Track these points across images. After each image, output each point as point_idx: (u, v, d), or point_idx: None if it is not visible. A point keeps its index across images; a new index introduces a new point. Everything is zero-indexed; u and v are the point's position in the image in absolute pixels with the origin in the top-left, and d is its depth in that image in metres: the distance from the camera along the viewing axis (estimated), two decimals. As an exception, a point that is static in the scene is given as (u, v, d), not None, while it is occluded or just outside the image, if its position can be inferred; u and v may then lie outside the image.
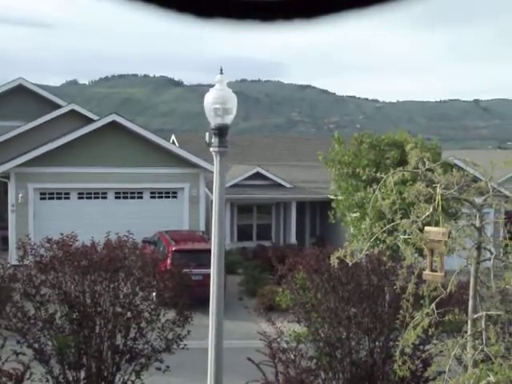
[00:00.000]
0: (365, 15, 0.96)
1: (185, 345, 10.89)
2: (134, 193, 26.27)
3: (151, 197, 26.52)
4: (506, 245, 6.64)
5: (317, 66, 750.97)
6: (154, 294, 11.29)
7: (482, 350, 6.58)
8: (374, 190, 7.19)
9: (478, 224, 6.90)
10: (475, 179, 8.20)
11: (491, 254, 7.03)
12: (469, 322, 7.00)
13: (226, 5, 0.96)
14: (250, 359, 10.29)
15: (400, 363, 7.17)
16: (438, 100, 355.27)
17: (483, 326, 6.73)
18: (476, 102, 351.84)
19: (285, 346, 10.44)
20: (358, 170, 8.12)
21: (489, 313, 6.87)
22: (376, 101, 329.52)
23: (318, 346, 10.41)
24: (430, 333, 7.74)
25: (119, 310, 10.46)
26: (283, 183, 30.54)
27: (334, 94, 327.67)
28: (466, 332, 7.01)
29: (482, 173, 7.61)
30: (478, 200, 7.04)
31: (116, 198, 26.11)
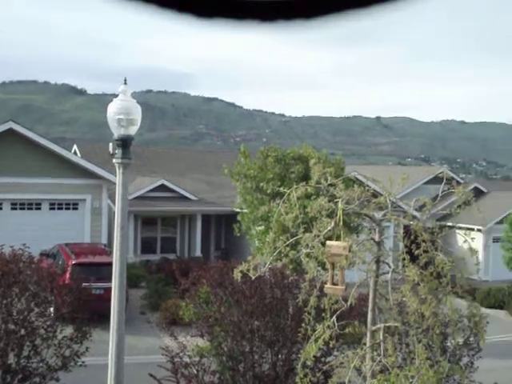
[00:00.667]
0: (365, 15, 0.98)
1: (83, 362, 10.52)
2: (31, 204, 25.25)
3: (51, 208, 25.58)
4: (404, 258, 6.84)
5: (224, 79, 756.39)
6: (51, 309, 10.85)
7: (380, 361, 6.74)
8: (278, 204, 7.24)
9: (377, 238, 7.08)
10: (376, 194, 8.43)
11: (389, 267, 7.23)
12: (368, 334, 7.16)
13: (226, 5, 0.96)
14: (151, 375, 10.06)
15: (302, 376, 7.22)
16: (343, 116, 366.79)
17: (381, 337, 6.90)
18: (378, 118, 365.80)
19: (187, 360, 10.31)
20: (262, 184, 8.16)
21: (387, 324, 7.05)
22: (282, 115, 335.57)
23: (221, 360, 10.35)
24: (331, 345, 7.85)
25: (12, 327, 9.96)
26: (188, 196, 30.35)
27: (241, 107, 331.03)
28: (366, 344, 7.16)
29: (381, 188, 7.84)
30: (378, 215, 7.24)
31: (12, 209, 25.01)
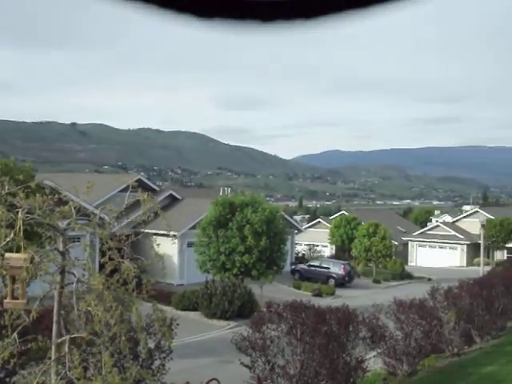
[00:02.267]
0: (364, 15, 0.96)
1: None
2: None
3: None
4: (89, 267, 6.77)
5: None
6: None
7: (66, 374, 6.56)
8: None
9: (61, 248, 6.89)
10: (68, 202, 8.20)
11: (75, 277, 7.08)
12: (53, 347, 6.91)
13: (226, 5, 0.94)
14: None
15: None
16: (36, 121, 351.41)
17: (67, 349, 6.72)
18: (73, 125, 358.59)
19: None
20: None
21: (72, 336, 6.89)
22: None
23: None
24: (12, 363, 7.40)
25: None
26: None
27: None
28: (51, 358, 6.91)
29: (72, 196, 7.65)
30: (62, 224, 7.05)
31: None
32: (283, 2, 0.96)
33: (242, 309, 26.27)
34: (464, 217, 74.41)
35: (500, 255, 64.06)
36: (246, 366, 11.80)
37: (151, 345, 11.73)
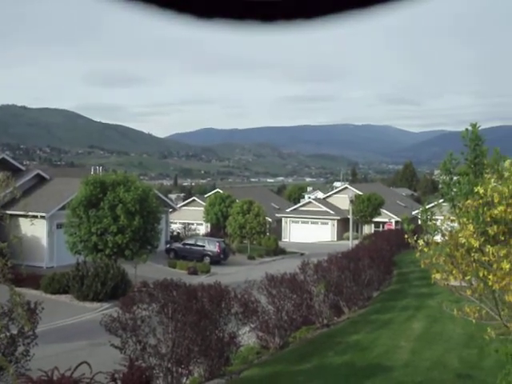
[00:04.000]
0: (365, 15, 0.95)
1: None
2: None
3: None
4: None
5: None
6: None
7: None
8: None
9: None
10: None
11: None
12: None
13: (226, 5, 0.94)
14: None
15: None
16: None
17: None
18: None
19: None
20: None
21: None
22: None
23: None
24: None
25: None
26: None
27: None
28: None
29: None
30: None
31: None
32: (283, 2, 0.95)
33: (116, 290, 25.71)
34: (334, 193, 77.45)
35: (368, 229, 67.31)
36: (117, 347, 11.54)
37: (14, 331, 11.19)
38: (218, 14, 0.95)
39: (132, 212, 28.38)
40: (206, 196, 71.29)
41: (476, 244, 5.96)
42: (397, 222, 63.46)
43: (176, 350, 11.63)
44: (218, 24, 0.95)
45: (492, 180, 6.16)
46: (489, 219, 5.97)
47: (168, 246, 43.43)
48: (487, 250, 5.85)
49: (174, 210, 52.17)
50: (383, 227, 65.29)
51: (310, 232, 69.13)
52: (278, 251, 50.96)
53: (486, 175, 6.51)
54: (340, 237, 67.76)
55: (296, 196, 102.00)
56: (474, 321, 6.72)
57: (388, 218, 66.67)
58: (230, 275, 33.35)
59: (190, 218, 62.00)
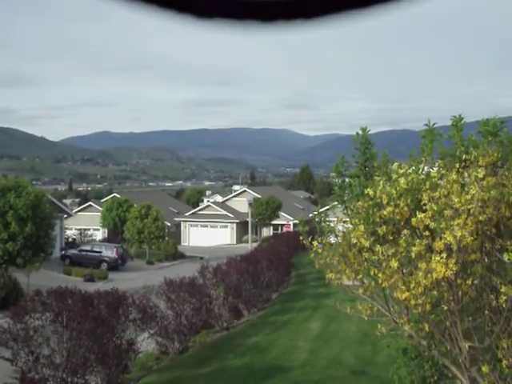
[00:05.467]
0: (365, 15, 0.95)
1: None
2: None
3: None
4: None
5: None
6: None
7: None
8: None
9: None
10: None
11: None
12: None
13: (226, 5, 0.94)
14: None
15: None
16: None
17: None
18: None
19: None
20: None
21: None
22: None
23: None
24: None
25: None
26: None
27: None
28: None
29: None
30: None
31: None
32: (283, 2, 0.95)
33: (7, 300, 24.56)
34: (233, 196, 77.92)
35: (267, 232, 68.22)
36: (7, 360, 11.05)
37: None
38: (218, 14, 0.95)
39: (24, 218, 27.30)
40: (102, 201, 69.57)
41: (367, 244, 6.18)
42: (295, 225, 64.72)
43: (71, 360, 11.28)
44: (218, 24, 0.96)
45: (381, 182, 6.40)
46: (378, 220, 6.21)
47: (63, 252, 42.07)
48: (377, 249, 6.08)
49: (69, 215, 50.64)
50: (282, 230, 66.40)
51: (209, 236, 69.16)
52: (178, 255, 50.61)
53: (375, 177, 6.77)
54: (239, 240, 68.24)
55: (195, 200, 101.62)
56: (366, 318, 6.96)
57: (286, 221, 67.86)
58: (128, 281, 32.74)
59: (86, 224, 60.33)
